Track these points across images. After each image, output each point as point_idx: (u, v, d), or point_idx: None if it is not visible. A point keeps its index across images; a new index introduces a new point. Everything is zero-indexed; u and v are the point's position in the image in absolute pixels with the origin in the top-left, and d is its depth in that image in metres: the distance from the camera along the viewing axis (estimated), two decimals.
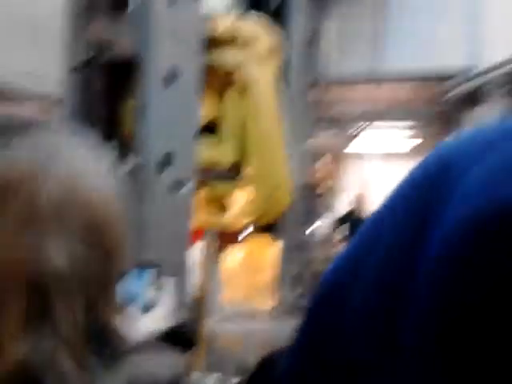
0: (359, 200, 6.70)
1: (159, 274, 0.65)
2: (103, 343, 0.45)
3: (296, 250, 5.47)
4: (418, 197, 0.39)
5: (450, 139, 0.45)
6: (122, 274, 0.50)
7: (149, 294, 0.59)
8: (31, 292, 0.43)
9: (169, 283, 0.68)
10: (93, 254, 0.46)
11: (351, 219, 6.57)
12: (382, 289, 0.39)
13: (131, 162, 3.39)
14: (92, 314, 0.45)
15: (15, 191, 0.44)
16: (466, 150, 0.39)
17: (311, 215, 6.98)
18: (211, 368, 3.27)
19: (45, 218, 0.45)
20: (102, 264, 0.47)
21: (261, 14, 4.60)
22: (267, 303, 5.01)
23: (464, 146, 0.40)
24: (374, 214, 0.47)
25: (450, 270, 0.33)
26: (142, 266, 0.63)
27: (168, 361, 0.48)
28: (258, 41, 4.27)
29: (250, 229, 4.75)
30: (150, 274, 0.61)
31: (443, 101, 7.26)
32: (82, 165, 0.50)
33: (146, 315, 0.57)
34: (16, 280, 0.42)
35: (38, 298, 0.43)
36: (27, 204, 0.44)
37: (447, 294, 0.32)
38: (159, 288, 0.62)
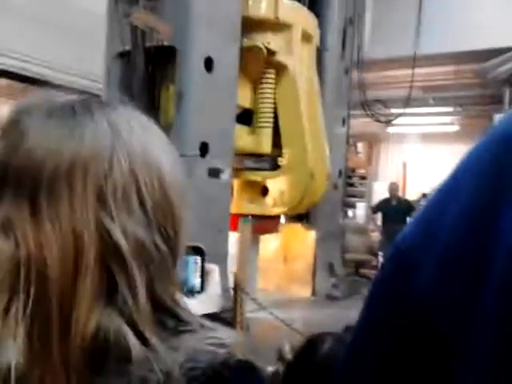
0: (393, 189, 6.57)
1: (204, 261, 0.67)
2: (165, 321, 0.47)
3: (331, 238, 5.43)
4: (487, 176, 0.39)
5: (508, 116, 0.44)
6: (180, 257, 0.52)
7: (195, 280, 0.60)
8: (100, 269, 0.45)
9: (214, 270, 0.69)
10: (158, 235, 0.48)
11: (384, 208, 6.45)
12: (456, 262, 0.40)
13: None
14: (155, 293, 0.47)
15: (85, 171, 0.46)
16: None
17: (346, 203, 6.91)
18: (247, 355, 3.31)
19: (113, 198, 0.46)
20: (165, 245, 0.48)
21: None
22: (302, 292, 5.02)
23: None
24: (440, 189, 0.46)
25: None
26: (188, 252, 0.65)
27: (223, 338, 0.49)
28: (295, 25, 4.20)
29: (285, 218, 4.74)
30: (196, 261, 0.63)
31: (485, 81, 7.00)
32: (150, 145, 0.51)
33: (192, 301, 0.58)
34: (88, 256, 0.44)
35: (105, 275, 0.45)
36: (97, 184, 0.46)
37: None
38: (205, 274, 0.64)
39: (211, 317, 0.70)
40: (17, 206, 0.45)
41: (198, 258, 0.72)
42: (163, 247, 0.48)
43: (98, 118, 0.49)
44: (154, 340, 0.45)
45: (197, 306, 0.72)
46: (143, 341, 0.44)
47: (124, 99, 0.59)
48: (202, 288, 0.74)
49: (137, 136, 0.50)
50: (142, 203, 0.47)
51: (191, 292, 0.72)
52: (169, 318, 0.48)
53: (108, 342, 0.43)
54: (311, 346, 1.16)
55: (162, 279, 0.48)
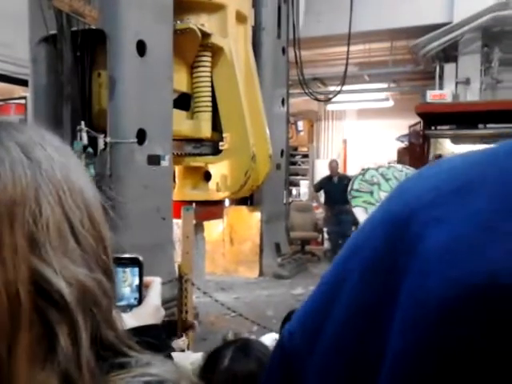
0: (333, 166, 6.66)
1: (143, 272, 0.63)
2: (101, 361, 0.43)
3: (276, 218, 5.48)
4: (380, 249, 0.37)
5: (413, 179, 0.42)
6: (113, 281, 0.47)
7: (131, 293, 0.57)
8: (39, 325, 0.39)
9: (155, 281, 0.66)
10: (99, 271, 0.44)
11: (326, 186, 6.53)
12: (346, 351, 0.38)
13: (105, 139, 3.29)
14: (101, 336, 0.43)
15: (11, 216, 0.40)
16: (426, 200, 0.38)
17: (290, 182, 6.96)
18: (199, 340, 3.31)
19: (48, 242, 0.41)
20: (107, 279, 0.44)
21: None
22: (251, 273, 5.06)
23: (425, 192, 0.38)
24: (335, 263, 0.43)
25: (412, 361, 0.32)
26: (125, 264, 0.61)
27: (159, 374, 0.45)
28: (228, 6, 4.12)
29: (229, 201, 4.73)
30: (133, 273, 0.59)
31: (418, 57, 7.22)
32: (70, 171, 0.46)
33: (128, 315, 0.55)
34: (25, 315, 0.39)
35: (45, 331, 0.40)
36: (27, 229, 0.40)
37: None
38: (143, 286, 0.60)
39: (149, 329, 0.67)
40: None
41: (136, 270, 0.68)
42: (107, 284, 0.44)
43: (10, 146, 0.42)
44: None
45: (133, 320, 0.67)
46: None
47: (21, 120, 0.51)
48: (140, 301, 0.69)
49: (57, 164, 0.44)
50: (77, 240, 0.43)
51: (129, 306, 0.68)
52: (108, 355, 0.44)
53: None
54: (211, 361, 1.15)
55: (106, 317, 0.44)
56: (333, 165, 6.75)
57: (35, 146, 0.44)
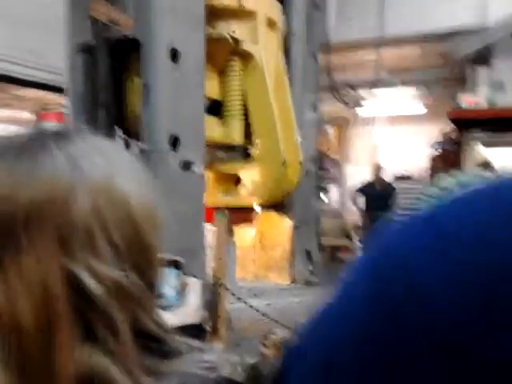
0: (376, 171, 6.43)
1: (183, 274, 0.63)
2: (152, 347, 0.46)
3: (306, 225, 5.44)
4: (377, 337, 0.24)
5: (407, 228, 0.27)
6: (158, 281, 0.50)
7: (172, 294, 0.57)
8: (75, 315, 0.43)
9: (194, 283, 0.66)
10: (132, 272, 0.46)
11: (368, 192, 6.34)
12: None
13: (139, 145, 3.34)
14: (140, 325, 0.46)
15: (41, 216, 0.43)
16: (437, 272, 0.22)
17: (320, 188, 6.90)
18: (232, 347, 3.30)
19: (76, 242, 0.44)
20: (142, 279, 0.47)
21: None
22: (282, 279, 5.03)
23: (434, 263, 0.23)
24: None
25: None
26: (166, 265, 0.62)
27: (213, 361, 0.48)
28: (259, 13, 4.14)
29: (260, 207, 4.72)
30: (174, 275, 0.59)
31: (451, 61, 7.09)
32: (115, 177, 0.48)
33: (170, 314, 0.55)
34: (59, 305, 0.43)
35: (82, 319, 0.43)
36: (57, 229, 0.43)
37: None
38: (183, 288, 0.60)
39: (192, 328, 0.68)
40: None
41: (176, 272, 0.69)
42: (140, 282, 0.46)
43: (56, 153, 0.46)
44: (143, 378, 0.44)
45: (175, 319, 0.70)
46: (132, 378, 0.43)
47: (81, 127, 0.56)
48: (180, 302, 0.71)
49: (100, 169, 0.47)
50: (110, 242, 0.45)
51: (170, 306, 0.69)
52: (156, 344, 0.47)
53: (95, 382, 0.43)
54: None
55: (144, 310, 0.47)
56: (378, 170, 6.59)
57: (81, 154, 0.47)
